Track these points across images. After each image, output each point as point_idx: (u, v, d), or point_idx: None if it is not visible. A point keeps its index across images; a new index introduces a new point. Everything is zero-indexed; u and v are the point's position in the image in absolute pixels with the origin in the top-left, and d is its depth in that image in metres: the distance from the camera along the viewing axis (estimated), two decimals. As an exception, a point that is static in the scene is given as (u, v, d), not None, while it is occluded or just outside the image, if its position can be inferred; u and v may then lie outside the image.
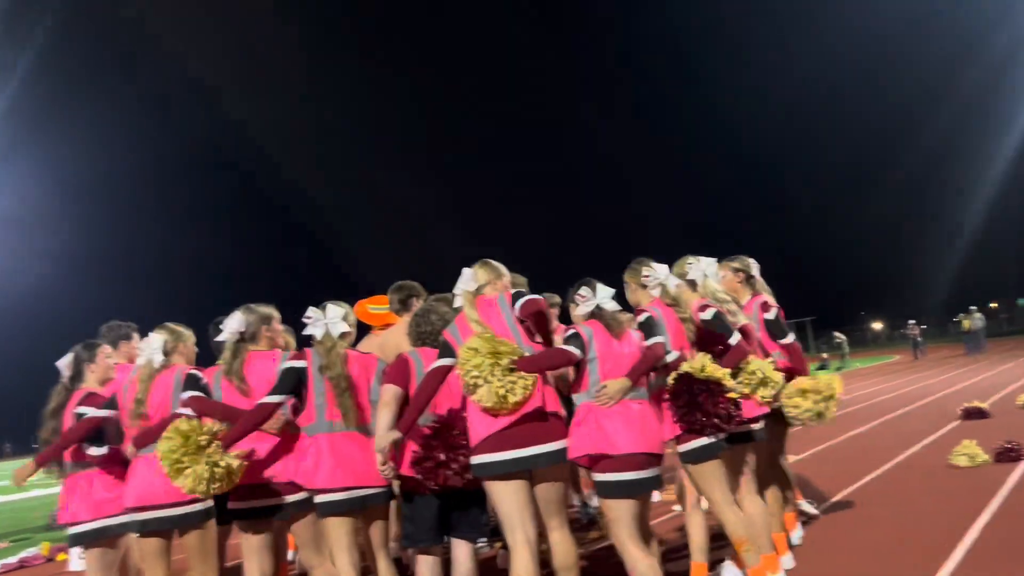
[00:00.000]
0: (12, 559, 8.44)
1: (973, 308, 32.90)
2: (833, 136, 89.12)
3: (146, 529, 3.99)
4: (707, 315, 4.17)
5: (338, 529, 3.85)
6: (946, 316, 35.82)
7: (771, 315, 4.86)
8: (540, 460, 3.60)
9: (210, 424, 3.76)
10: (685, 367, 3.88)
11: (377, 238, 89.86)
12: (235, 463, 3.71)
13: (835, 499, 6.52)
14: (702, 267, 4.41)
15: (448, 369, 3.73)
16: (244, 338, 4.12)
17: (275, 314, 4.26)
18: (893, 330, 73.69)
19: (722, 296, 4.41)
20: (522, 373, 3.55)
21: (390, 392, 3.83)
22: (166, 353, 4.17)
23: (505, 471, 3.58)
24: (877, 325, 78.73)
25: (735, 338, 4.18)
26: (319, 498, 3.83)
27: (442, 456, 3.69)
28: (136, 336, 5.09)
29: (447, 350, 3.76)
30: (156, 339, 4.20)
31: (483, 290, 3.91)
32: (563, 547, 3.71)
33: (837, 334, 35.82)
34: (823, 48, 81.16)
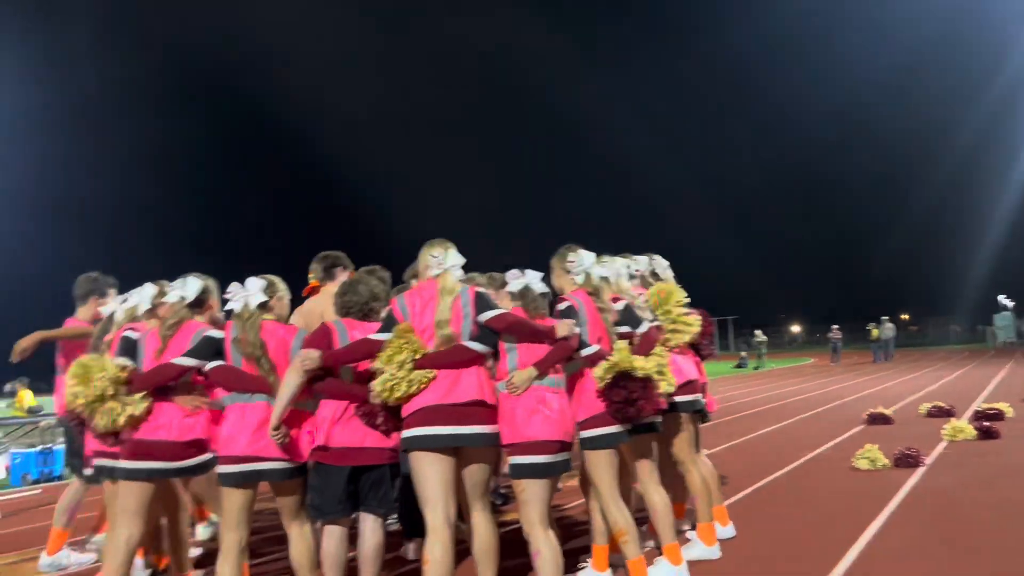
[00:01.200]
0: None
1: (884, 318, 34.30)
2: (773, 141, 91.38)
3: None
4: (618, 306, 4.28)
5: (232, 501, 3.79)
6: (862, 323, 37.13)
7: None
8: (475, 439, 3.68)
9: (115, 370, 3.89)
10: (622, 364, 3.93)
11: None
12: (123, 408, 3.84)
13: (740, 495, 6.68)
14: (615, 266, 4.50)
15: (378, 344, 3.74)
16: (190, 306, 4.12)
17: (215, 285, 4.24)
18: (811, 334, 76.16)
19: (632, 293, 4.54)
20: (416, 373, 3.64)
21: (305, 356, 3.75)
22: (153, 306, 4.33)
23: (437, 445, 3.62)
24: (795, 328, 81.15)
25: (644, 327, 4.28)
26: (219, 467, 3.79)
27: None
28: (113, 293, 5.13)
29: (391, 324, 3.78)
30: (148, 289, 4.37)
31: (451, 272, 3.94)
32: (485, 529, 3.77)
33: (758, 333, 36.71)
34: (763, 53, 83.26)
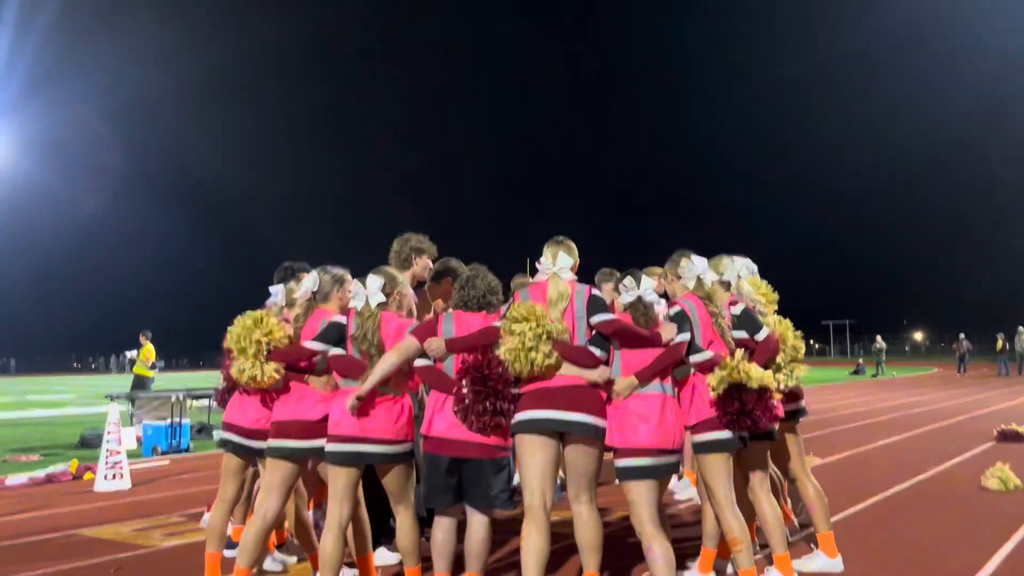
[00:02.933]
0: (40, 473, 8.68)
1: (1022, 328, 32.15)
2: (902, 145, 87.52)
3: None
4: (736, 310, 4.20)
5: (336, 479, 3.95)
6: (992, 334, 34.78)
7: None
8: (575, 427, 3.72)
9: (269, 331, 4.10)
10: (735, 375, 3.86)
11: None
12: (260, 372, 4.05)
13: (859, 507, 6.41)
14: (736, 267, 4.42)
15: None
16: (316, 297, 4.28)
17: (348, 276, 4.33)
18: (934, 342, 72.30)
19: (755, 297, 4.43)
20: (552, 347, 3.70)
21: (409, 343, 3.91)
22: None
23: (538, 428, 3.72)
24: (918, 335, 77.22)
25: (763, 333, 4.16)
26: (326, 446, 3.97)
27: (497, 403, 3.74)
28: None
29: None
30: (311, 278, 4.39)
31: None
32: (589, 523, 3.79)
33: (878, 339, 35.15)
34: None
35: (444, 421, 3.85)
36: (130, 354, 15.76)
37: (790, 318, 4.67)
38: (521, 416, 3.78)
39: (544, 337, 3.69)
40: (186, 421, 11.26)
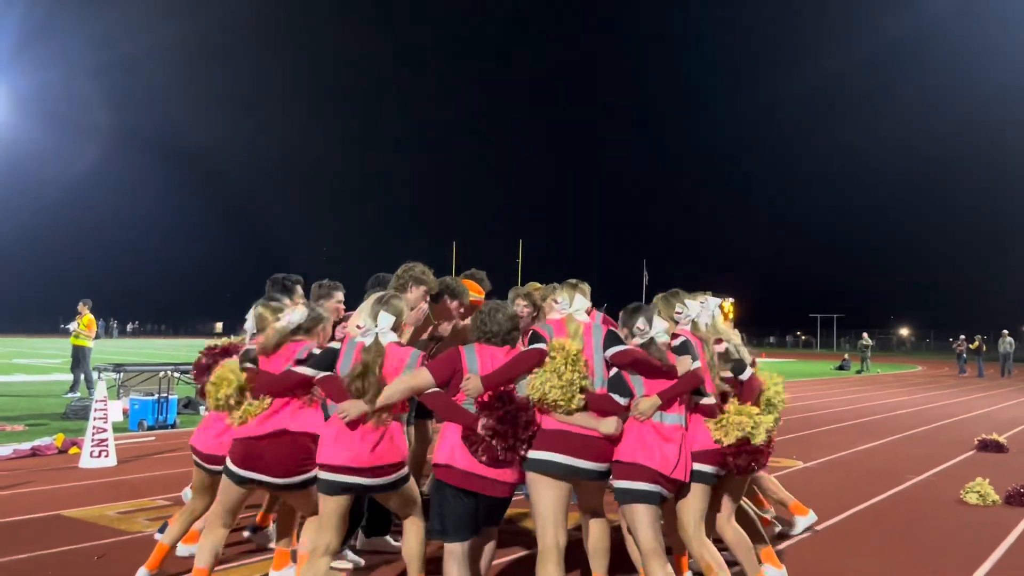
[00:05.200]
0: (25, 445, 8.66)
1: (1005, 331, 32.45)
2: (896, 142, 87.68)
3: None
4: (719, 348, 4.25)
5: (328, 507, 3.78)
6: (975, 333, 34.80)
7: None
8: (591, 475, 3.80)
9: (240, 379, 4.12)
10: (745, 429, 3.99)
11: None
12: (243, 410, 4.05)
13: (838, 518, 6.47)
14: (711, 306, 4.41)
15: (545, 353, 3.77)
16: (299, 330, 4.18)
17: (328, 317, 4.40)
18: (919, 339, 72.83)
19: (730, 335, 4.43)
20: (577, 392, 3.70)
21: (423, 377, 3.76)
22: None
23: (557, 472, 3.73)
24: (904, 331, 77.69)
25: (747, 373, 4.24)
26: (320, 473, 3.79)
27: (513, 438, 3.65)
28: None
29: (538, 339, 3.83)
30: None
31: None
32: (598, 530, 4.03)
33: (865, 336, 35.37)
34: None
35: (468, 455, 3.66)
36: (71, 326, 14.83)
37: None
38: (538, 455, 3.70)
39: (581, 387, 3.72)
40: (173, 396, 11.25)
